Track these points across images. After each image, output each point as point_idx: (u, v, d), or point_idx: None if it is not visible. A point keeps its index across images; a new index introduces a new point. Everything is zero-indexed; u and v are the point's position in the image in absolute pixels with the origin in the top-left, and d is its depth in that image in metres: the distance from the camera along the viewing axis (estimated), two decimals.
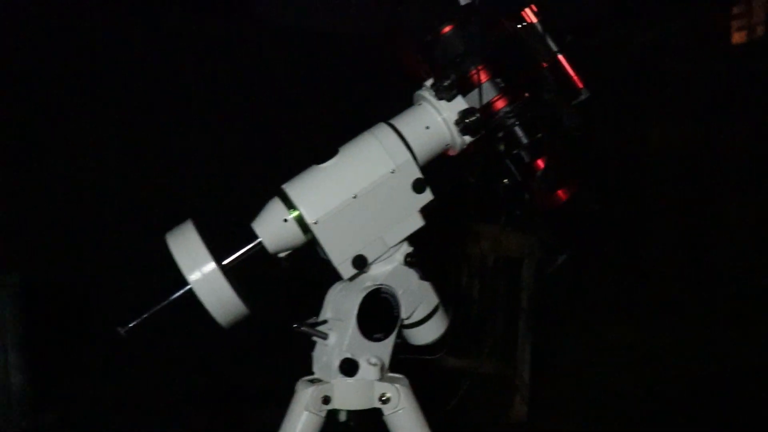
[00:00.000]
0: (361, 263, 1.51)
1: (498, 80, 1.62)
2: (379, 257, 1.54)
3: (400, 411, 1.56)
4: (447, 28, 1.60)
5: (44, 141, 4.94)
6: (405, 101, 1.64)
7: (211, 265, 1.42)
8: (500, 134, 1.63)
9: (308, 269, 1.59)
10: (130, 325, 1.44)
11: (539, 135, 1.62)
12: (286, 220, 1.48)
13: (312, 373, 1.58)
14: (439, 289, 1.62)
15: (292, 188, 1.50)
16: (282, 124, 5.76)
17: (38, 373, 3.29)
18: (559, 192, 1.65)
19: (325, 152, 1.52)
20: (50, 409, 3.44)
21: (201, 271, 1.42)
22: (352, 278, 1.54)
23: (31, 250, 4.56)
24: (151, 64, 5.38)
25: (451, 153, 1.61)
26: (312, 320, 1.57)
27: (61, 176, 4.99)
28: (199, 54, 5.58)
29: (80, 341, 4.50)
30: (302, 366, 1.61)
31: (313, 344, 1.59)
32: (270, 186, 1.57)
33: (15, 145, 4.84)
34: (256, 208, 1.55)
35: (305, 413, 1.52)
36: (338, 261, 1.50)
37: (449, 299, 1.66)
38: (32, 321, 3.25)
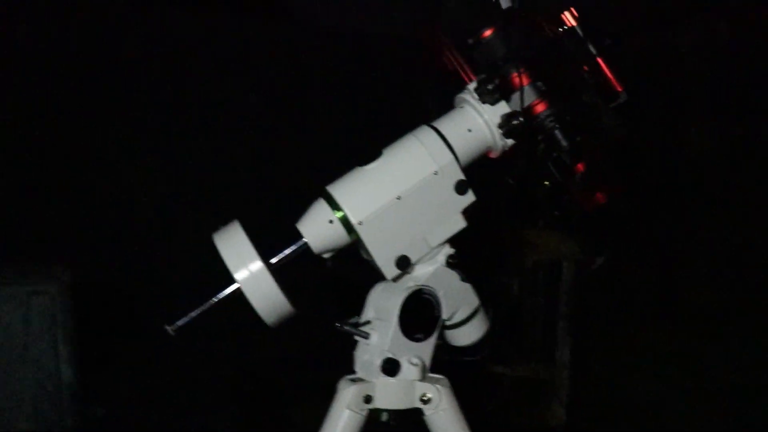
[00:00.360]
0: (404, 264, 1.53)
1: (539, 83, 1.63)
2: (421, 258, 1.56)
3: (440, 411, 1.58)
4: (488, 32, 1.61)
5: (94, 138, 5.06)
6: (446, 104, 1.66)
7: (259, 264, 1.45)
8: (540, 137, 1.64)
9: (350, 269, 1.62)
10: (178, 324, 1.47)
11: (579, 138, 1.63)
12: (331, 221, 1.51)
13: (354, 372, 1.61)
14: (479, 291, 1.64)
15: (336, 189, 1.53)
16: (321, 126, 5.81)
17: (87, 368, 3.36)
18: (599, 194, 1.66)
19: (368, 154, 1.55)
20: (98, 403, 3.52)
21: (249, 270, 1.45)
22: (395, 279, 1.56)
23: (80, 246, 4.68)
24: (189, 65, 5.47)
25: (492, 155, 1.63)
26: (354, 320, 1.60)
27: (110, 173, 5.10)
28: (235, 54, 5.65)
29: (126, 337, 4.60)
30: (343, 365, 1.63)
31: (354, 343, 1.61)
32: (311, 187, 1.60)
33: (65, 140, 4.96)
34: (298, 210, 1.58)
35: (347, 411, 1.55)
36: (382, 261, 1.52)
37: (489, 301, 1.68)
38: (81, 316, 3.33)
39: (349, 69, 5.89)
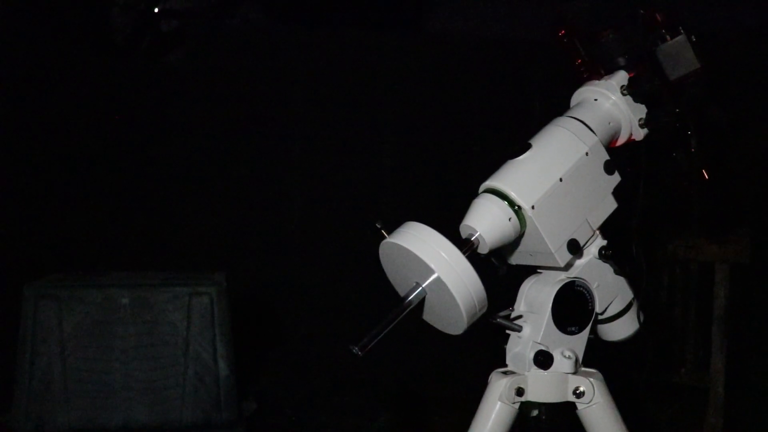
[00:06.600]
0: (575, 248, 1.54)
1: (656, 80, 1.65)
2: (587, 242, 1.57)
3: (594, 406, 1.57)
4: (610, 31, 1.67)
5: (250, 146, 5.36)
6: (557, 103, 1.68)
7: (458, 255, 1.39)
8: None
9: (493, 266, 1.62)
10: (363, 342, 1.38)
11: (688, 126, 1.68)
12: (510, 219, 1.49)
13: (505, 365, 1.61)
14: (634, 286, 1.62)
15: (498, 181, 1.53)
16: (451, 130, 5.85)
17: (241, 366, 3.55)
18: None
19: (519, 146, 1.57)
20: (251, 399, 3.70)
21: (448, 261, 1.37)
22: (565, 267, 1.56)
23: (237, 255, 4.97)
24: (331, 79, 5.67)
25: (618, 143, 1.68)
26: (505, 313, 1.61)
27: (265, 181, 5.40)
28: (371, 66, 5.80)
29: (274, 338, 4.82)
30: (489, 365, 1.64)
31: (505, 337, 1.62)
32: (451, 188, 1.62)
33: (220, 148, 5.29)
34: (446, 210, 1.59)
35: (498, 404, 1.56)
36: (555, 247, 1.52)
37: (641, 296, 1.65)
38: (236, 317, 3.53)
39: (473, 73, 5.90)
